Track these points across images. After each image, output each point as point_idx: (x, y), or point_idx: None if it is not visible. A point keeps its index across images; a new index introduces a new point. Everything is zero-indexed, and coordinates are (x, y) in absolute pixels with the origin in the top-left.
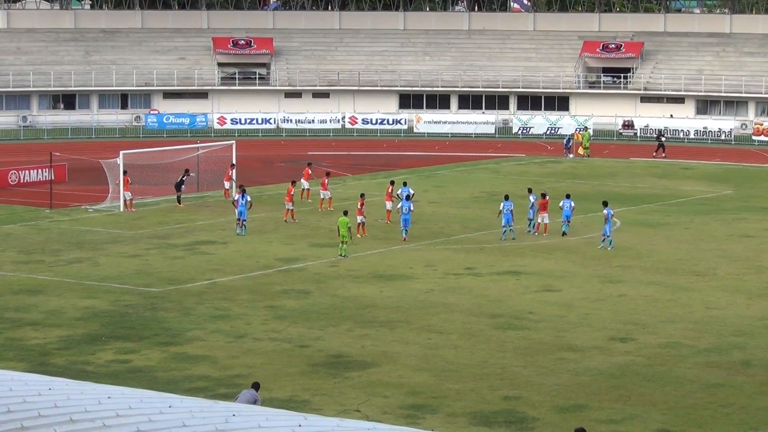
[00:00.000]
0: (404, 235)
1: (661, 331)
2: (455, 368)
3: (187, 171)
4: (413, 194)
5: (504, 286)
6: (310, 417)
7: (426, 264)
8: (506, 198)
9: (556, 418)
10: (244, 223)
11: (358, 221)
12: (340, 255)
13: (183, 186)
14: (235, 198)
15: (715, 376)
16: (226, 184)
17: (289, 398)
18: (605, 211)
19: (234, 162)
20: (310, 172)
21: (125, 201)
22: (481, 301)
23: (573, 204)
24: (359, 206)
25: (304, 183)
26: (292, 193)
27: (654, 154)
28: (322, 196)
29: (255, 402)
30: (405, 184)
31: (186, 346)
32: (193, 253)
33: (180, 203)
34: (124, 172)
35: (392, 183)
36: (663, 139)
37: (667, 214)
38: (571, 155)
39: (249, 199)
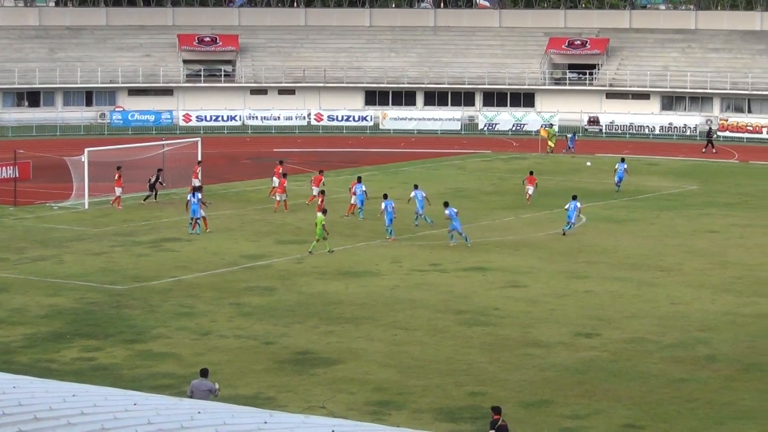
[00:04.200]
0: (392, 235)
1: (627, 327)
2: (421, 364)
3: (160, 170)
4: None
5: (470, 282)
6: (275, 414)
7: (392, 260)
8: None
9: (521, 413)
10: (198, 222)
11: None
12: (309, 252)
13: (158, 184)
14: (187, 198)
15: (680, 371)
16: (195, 182)
17: (254, 395)
18: (573, 204)
19: (200, 159)
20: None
21: (119, 197)
22: (447, 298)
23: (579, 205)
24: (320, 202)
25: (275, 181)
26: (285, 185)
27: (704, 150)
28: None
29: (211, 392)
30: (416, 186)
31: (151, 343)
32: (159, 251)
33: (152, 199)
34: (118, 168)
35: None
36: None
37: (633, 209)
38: (574, 152)
39: (200, 196)
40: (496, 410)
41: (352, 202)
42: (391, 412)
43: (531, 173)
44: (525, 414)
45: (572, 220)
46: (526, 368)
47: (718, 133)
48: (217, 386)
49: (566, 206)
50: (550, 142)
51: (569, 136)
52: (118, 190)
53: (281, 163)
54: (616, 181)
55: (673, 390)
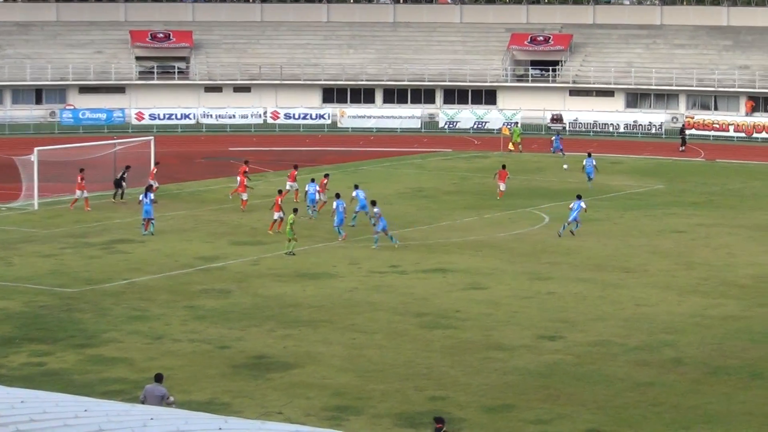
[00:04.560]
0: (341, 234)
1: (591, 329)
2: (380, 368)
3: (127, 167)
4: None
5: (430, 284)
6: (230, 420)
7: (350, 262)
8: (337, 196)
9: (483, 418)
10: (151, 222)
11: (276, 217)
12: (287, 252)
13: (124, 183)
14: (139, 198)
15: (646, 375)
16: (152, 183)
17: (209, 401)
18: (577, 203)
19: (157, 160)
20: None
21: (77, 199)
22: (407, 300)
23: (584, 205)
24: (278, 201)
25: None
26: (245, 183)
27: (682, 149)
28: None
29: (164, 397)
30: (313, 180)
31: (102, 347)
32: (110, 252)
33: (120, 198)
34: (81, 170)
35: (326, 176)
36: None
37: (597, 209)
38: (563, 154)
39: (152, 197)
40: (439, 420)
41: (322, 199)
42: (349, 417)
43: (503, 167)
44: (487, 419)
45: (577, 219)
46: (488, 372)
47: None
48: (172, 399)
49: (570, 205)
50: (514, 140)
51: (554, 137)
52: (78, 193)
53: (247, 162)
54: (587, 176)
55: (638, 394)
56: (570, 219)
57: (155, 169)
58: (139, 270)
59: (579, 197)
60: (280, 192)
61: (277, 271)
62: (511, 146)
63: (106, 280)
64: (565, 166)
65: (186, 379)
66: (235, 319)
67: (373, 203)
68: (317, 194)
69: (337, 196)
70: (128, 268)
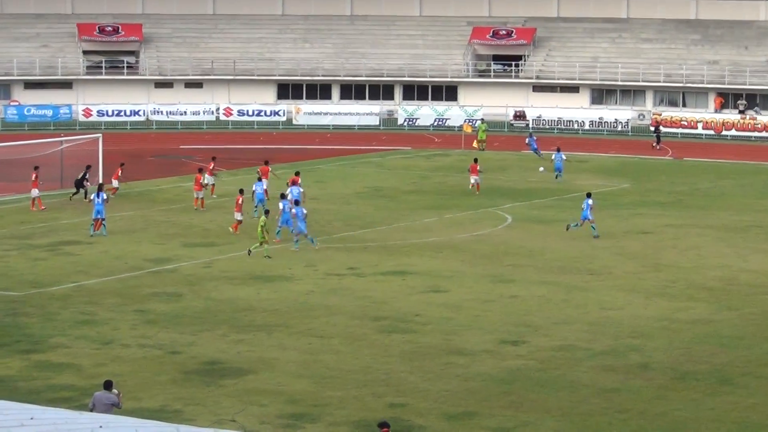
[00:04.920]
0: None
1: (555, 334)
2: (337, 374)
3: (88, 167)
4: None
5: (389, 286)
6: (182, 428)
7: (306, 264)
8: (282, 197)
9: (444, 426)
10: (103, 222)
11: (238, 218)
12: (266, 256)
13: (86, 182)
14: (91, 197)
15: (612, 381)
16: (115, 183)
17: (160, 408)
18: (586, 202)
19: (122, 161)
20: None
21: (34, 198)
22: (365, 303)
23: (591, 203)
24: (238, 202)
25: (208, 178)
26: (201, 181)
27: (657, 147)
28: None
29: (114, 405)
30: (261, 179)
31: (49, 353)
32: (57, 254)
33: (85, 198)
34: (35, 168)
35: (297, 174)
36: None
37: (561, 209)
38: (542, 154)
39: (105, 197)
40: (384, 425)
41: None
42: (305, 425)
43: (475, 160)
44: (448, 426)
45: (589, 218)
46: (449, 378)
47: (650, 128)
48: (118, 401)
49: (582, 204)
50: (480, 137)
51: (530, 139)
52: (34, 192)
53: (214, 159)
54: (555, 170)
55: (603, 400)
56: (589, 218)
57: (120, 170)
58: (86, 272)
59: (589, 195)
60: (241, 192)
61: (230, 273)
62: (475, 143)
63: (52, 283)
64: (541, 169)
65: (136, 385)
66: (186, 323)
67: (296, 203)
68: (265, 193)
69: (282, 196)
70: (76, 270)
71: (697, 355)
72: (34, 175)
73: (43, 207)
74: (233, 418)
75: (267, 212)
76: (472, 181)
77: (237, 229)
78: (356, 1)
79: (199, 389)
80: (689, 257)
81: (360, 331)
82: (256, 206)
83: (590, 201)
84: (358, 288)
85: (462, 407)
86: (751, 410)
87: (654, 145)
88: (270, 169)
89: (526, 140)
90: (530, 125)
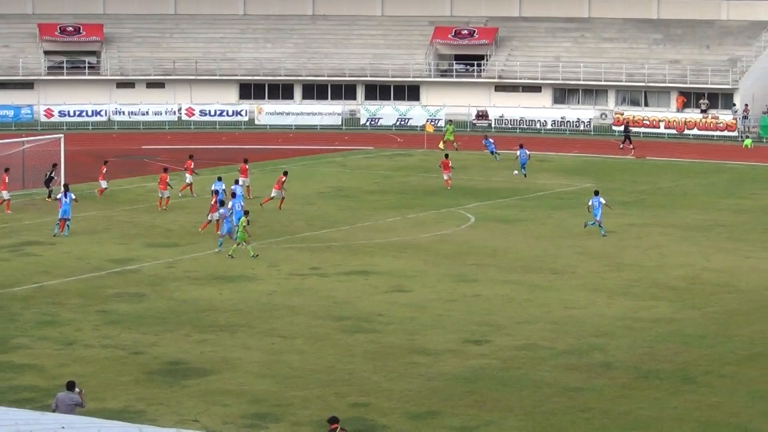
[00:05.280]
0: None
1: (518, 333)
2: (300, 374)
3: (54, 165)
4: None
5: (352, 286)
6: (145, 428)
7: (269, 264)
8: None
9: (407, 425)
10: (67, 223)
11: (209, 218)
12: (253, 256)
13: (53, 181)
14: (58, 196)
15: (575, 380)
16: (102, 183)
17: (123, 408)
18: (595, 200)
19: (106, 159)
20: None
21: (4, 200)
22: (328, 303)
23: (603, 201)
24: (213, 203)
25: (188, 177)
26: (167, 180)
27: (621, 146)
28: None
29: (78, 405)
30: (220, 178)
31: (11, 354)
32: (19, 255)
33: (50, 197)
34: (6, 170)
35: (285, 173)
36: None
37: (524, 209)
38: (500, 156)
39: (74, 197)
40: (333, 420)
41: (272, 195)
42: (268, 425)
43: (446, 156)
44: (411, 426)
45: (598, 218)
46: (412, 377)
47: (613, 128)
48: (81, 401)
49: (589, 202)
50: (447, 138)
51: (486, 141)
52: (4, 193)
53: (191, 157)
54: (522, 167)
55: (567, 399)
56: (598, 218)
57: (104, 168)
58: (49, 273)
59: (597, 193)
60: (216, 192)
61: (193, 273)
62: (441, 145)
63: (14, 284)
64: (515, 172)
65: (99, 386)
66: (149, 323)
67: (221, 203)
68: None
69: (233, 195)
70: (38, 271)
71: (660, 354)
72: (6, 177)
73: (9, 211)
74: (196, 418)
75: (247, 213)
76: (445, 177)
77: (205, 228)
78: (318, 0)
79: (162, 389)
80: (652, 256)
81: (323, 331)
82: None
83: (602, 199)
84: (321, 288)
85: (425, 406)
86: (714, 409)
87: (621, 145)
88: (247, 167)
89: (483, 141)
90: (492, 126)
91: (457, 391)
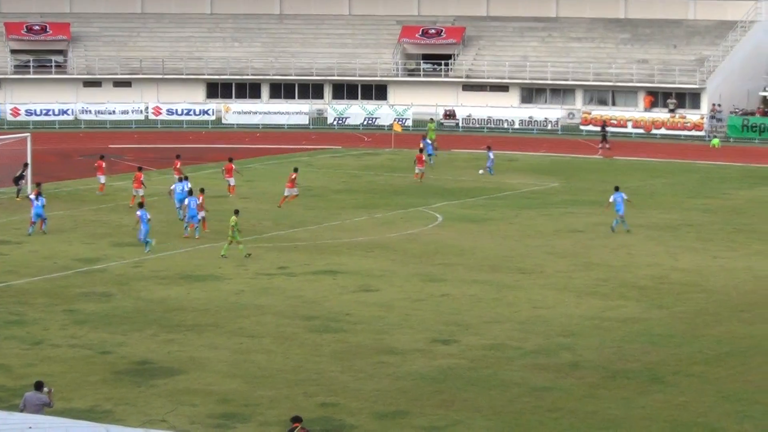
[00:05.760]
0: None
1: (486, 332)
2: (268, 374)
3: (25, 165)
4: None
5: (319, 286)
6: (112, 428)
7: (236, 264)
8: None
9: (375, 425)
10: (44, 222)
11: (201, 216)
12: (246, 255)
13: (22, 180)
14: (29, 196)
15: (543, 379)
16: (101, 178)
17: (90, 408)
18: (617, 196)
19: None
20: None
21: None
22: (296, 303)
23: (625, 196)
24: (200, 201)
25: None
26: (141, 179)
27: (600, 147)
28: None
29: (45, 405)
30: (186, 178)
31: None
32: None
33: (18, 197)
34: None
35: (296, 170)
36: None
37: (492, 208)
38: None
39: (44, 201)
40: (296, 419)
41: (285, 194)
42: (236, 425)
43: (420, 151)
44: (379, 426)
45: (621, 213)
46: (380, 377)
47: (581, 127)
48: (49, 400)
49: (610, 198)
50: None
51: (423, 143)
52: None
53: (179, 157)
54: (619, 216)
55: (535, 399)
56: (621, 213)
57: (102, 163)
58: (15, 272)
59: (617, 189)
60: (202, 191)
61: (160, 273)
62: (421, 144)
63: None
64: (480, 171)
65: (66, 385)
66: (116, 323)
67: (141, 205)
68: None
69: (140, 206)
70: (4, 270)
71: (628, 353)
72: None
73: None
74: (164, 418)
75: (237, 212)
76: (417, 170)
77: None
78: (285, 0)
79: (130, 389)
80: (620, 256)
81: (291, 331)
82: (177, 207)
83: (624, 195)
84: (289, 287)
85: (393, 406)
86: (682, 408)
87: (599, 145)
88: (234, 166)
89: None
90: (459, 125)
91: (425, 390)
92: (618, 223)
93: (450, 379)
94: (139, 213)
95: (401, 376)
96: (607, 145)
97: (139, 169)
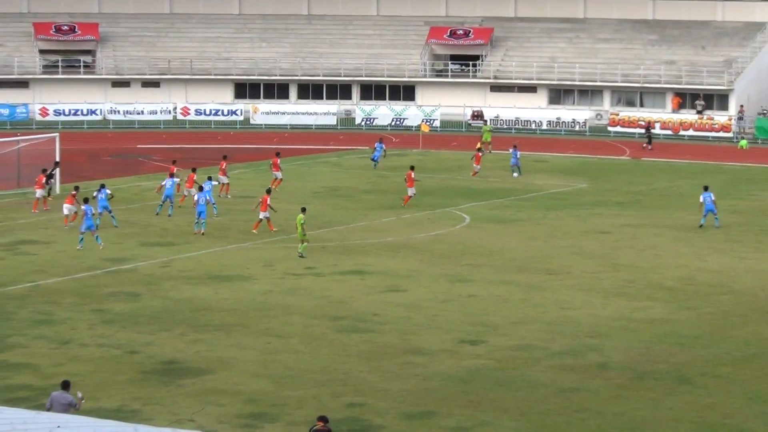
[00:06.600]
0: (200, 228)
1: (513, 333)
2: (295, 374)
3: (56, 163)
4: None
5: (347, 286)
6: (140, 428)
7: (264, 263)
8: (85, 201)
9: (402, 425)
10: (111, 216)
11: (261, 217)
12: (300, 255)
13: (52, 179)
14: (93, 194)
15: (570, 380)
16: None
17: (118, 408)
18: (706, 195)
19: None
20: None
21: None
22: (323, 303)
23: (713, 197)
24: (264, 201)
25: (222, 178)
26: (194, 179)
27: (649, 147)
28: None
29: (72, 405)
30: (210, 178)
31: (6, 353)
32: (14, 254)
33: (49, 196)
34: (43, 171)
35: (412, 168)
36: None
37: (519, 209)
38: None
39: (108, 192)
40: (322, 418)
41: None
42: (264, 425)
43: (412, 168)
44: (406, 426)
45: (713, 211)
46: (408, 377)
47: (608, 128)
48: (79, 396)
49: (700, 199)
50: (485, 140)
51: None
52: (39, 192)
53: (225, 158)
54: (513, 165)
55: (562, 400)
56: (711, 209)
57: (173, 168)
58: (44, 272)
59: (706, 188)
60: (268, 192)
61: (188, 273)
62: (479, 145)
63: (9, 283)
64: (515, 174)
65: (94, 385)
66: (144, 323)
67: (86, 200)
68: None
69: (86, 201)
70: (33, 270)
71: (656, 354)
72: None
73: (47, 207)
74: (192, 417)
75: (304, 209)
76: (409, 192)
77: (257, 228)
78: (313, 0)
79: (158, 389)
80: (647, 257)
81: (318, 331)
82: (162, 203)
83: (712, 195)
84: (317, 288)
85: (421, 407)
86: (709, 410)
87: (644, 145)
88: (279, 161)
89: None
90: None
91: (452, 391)
92: (706, 219)
93: (477, 379)
94: (84, 207)
95: (428, 377)
96: (650, 147)
97: (193, 170)
